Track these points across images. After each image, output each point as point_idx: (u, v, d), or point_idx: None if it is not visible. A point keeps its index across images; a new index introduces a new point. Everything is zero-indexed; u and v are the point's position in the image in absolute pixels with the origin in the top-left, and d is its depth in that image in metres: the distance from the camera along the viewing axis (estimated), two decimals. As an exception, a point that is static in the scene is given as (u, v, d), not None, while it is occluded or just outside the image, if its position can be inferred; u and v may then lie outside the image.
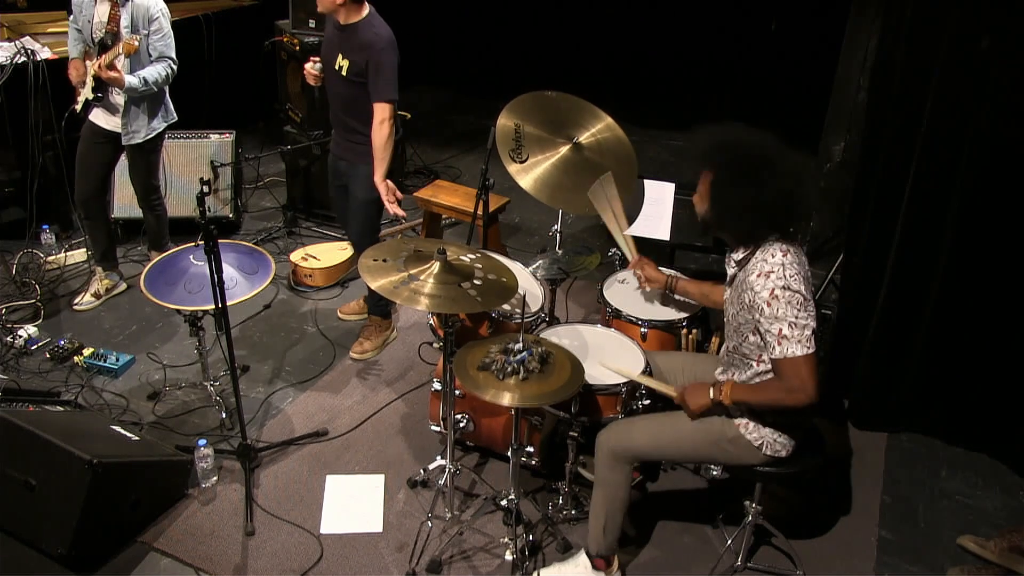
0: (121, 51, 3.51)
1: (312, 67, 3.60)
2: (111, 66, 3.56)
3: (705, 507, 3.08)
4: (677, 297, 3.15)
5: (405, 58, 3.44)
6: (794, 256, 2.35)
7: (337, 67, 3.42)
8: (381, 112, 3.38)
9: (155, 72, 3.68)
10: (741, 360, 2.52)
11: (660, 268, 3.15)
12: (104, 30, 3.62)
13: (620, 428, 2.65)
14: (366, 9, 3.40)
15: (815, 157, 4.46)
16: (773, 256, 2.33)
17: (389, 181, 3.49)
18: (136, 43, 3.52)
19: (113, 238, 4.28)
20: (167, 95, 3.91)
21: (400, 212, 3.57)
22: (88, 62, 3.73)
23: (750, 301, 2.35)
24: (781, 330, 2.29)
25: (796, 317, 2.28)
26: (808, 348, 2.29)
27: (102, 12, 3.63)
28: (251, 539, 2.92)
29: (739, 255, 2.46)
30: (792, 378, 2.30)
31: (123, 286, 4.33)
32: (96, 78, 3.68)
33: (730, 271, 2.56)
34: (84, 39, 3.72)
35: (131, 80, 3.59)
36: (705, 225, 2.53)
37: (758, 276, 2.33)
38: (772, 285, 2.29)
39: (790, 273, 2.30)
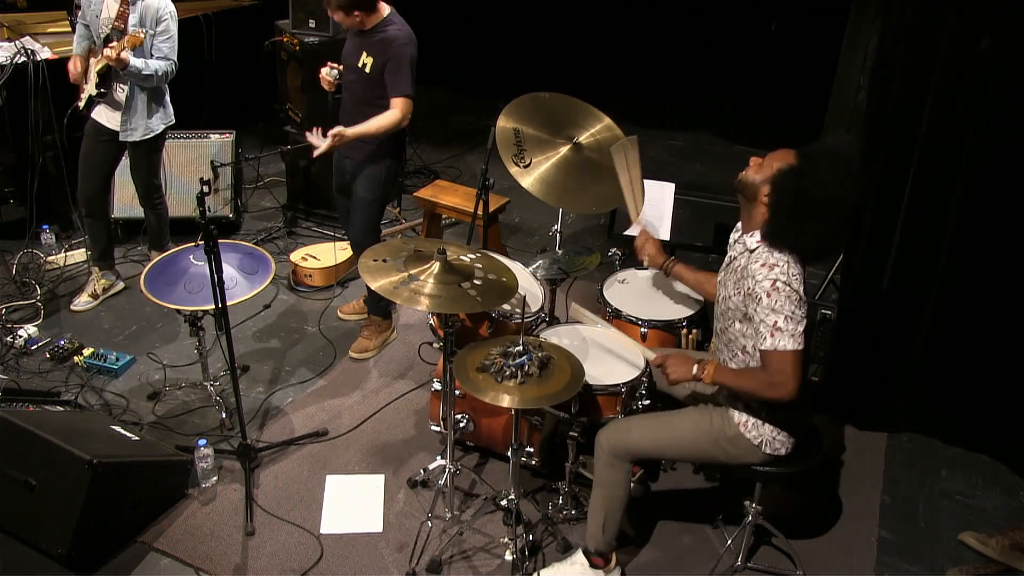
0: (127, 44, 3.52)
1: (328, 73, 3.59)
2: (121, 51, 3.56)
3: (705, 507, 3.08)
4: (680, 288, 3.14)
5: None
6: (796, 258, 2.36)
7: (361, 64, 3.43)
8: (398, 105, 3.40)
9: (156, 64, 3.69)
10: (725, 347, 2.54)
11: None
12: (111, 26, 3.63)
13: (619, 426, 2.65)
14: (386, 9, 3.42)
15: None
16: (779, 251, 2.35)
17: (341, 135, 3.35)
18: (142, 35, 3.54)
19: (112, 238, 4.28)
20: (167, 96, 3.92)
21: (315, 141, 3.36)
22: (92, 59, 3.73)
23: (749, 289, 2.35)
24: (776, 322, 2.30)
25: (792, 313, 2.29)
26: (799, 344, 2.30)
27: (111, 8, 3.65)
28: (251, 539, 2.92)
29: (752, 241, 2.42)
30: (777, 372, 2.31)
31: (120, 285, 4.33)
32: (101, 74, 3.70)
33: (731, 252, 2.56)
34: (91, 34, 3.73)
35: (135, 61, 3.59)
36: (740, 186, 2.46)
37: (762, 266, 2.33)
38: (775, 276, 2.30)
39: (793, 272, 2.32)
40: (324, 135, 3.35)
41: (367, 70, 3.41)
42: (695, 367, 2.48)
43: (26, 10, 5.31)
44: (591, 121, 3.27)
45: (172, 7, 3.73)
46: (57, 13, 5.06)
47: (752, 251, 2.42)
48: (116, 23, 3.62)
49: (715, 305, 2.61)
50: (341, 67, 3.61)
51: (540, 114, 3.26)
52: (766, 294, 2.30)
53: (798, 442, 2.54)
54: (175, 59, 3.77)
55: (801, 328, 2.30)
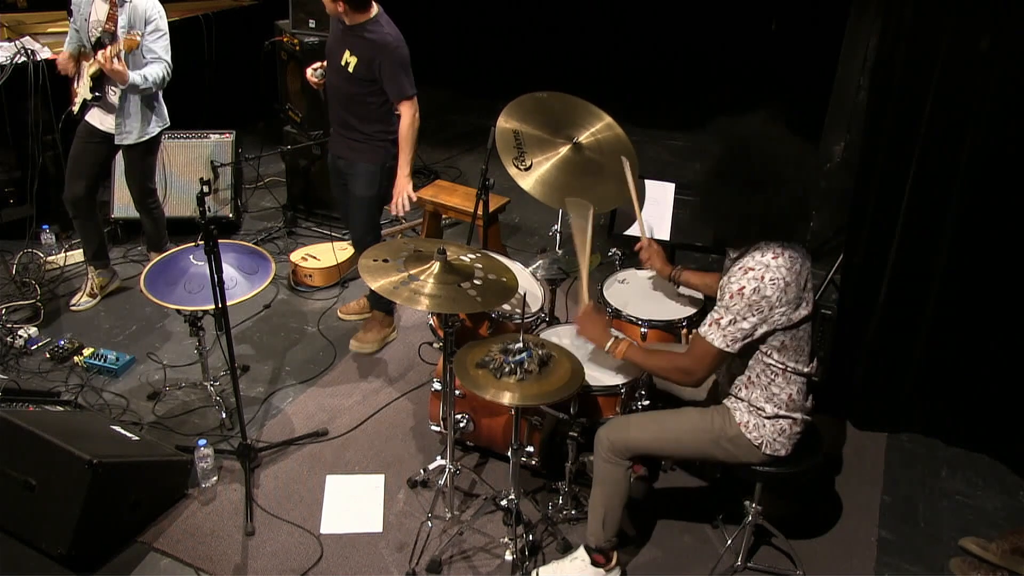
0: (122, 47, 3.50)
1: (313, 73, 3.61)
2: (116, 58, 3.53)
3: (705, 507, 3.08)
4: (681, 290, 3.14)
5: (405, 58, 3.43)
6: (785, 260, 2.33)
7: (344, 63, 3.40)
8: (407, 109, 3.44)
9: (154, 72, 3.67)
10: (738, 356, 2.52)
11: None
12: (101, 29, 3.62)
13: (619, 423, 2.65)
14: (374, 10, 3.39)
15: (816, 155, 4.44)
16: (763, 256, 2.34)
17: (409, 185, 3.53)
18: (138, 38, 3.52)
19: (104, 237, 4.24)
20: (161, 99, 3.90)
21: (398, 211, 3.56)
22: (84, 62, 3.72)
23: (723, 284, 2.39)
24: (720, 318, 2.34)
25: (743, 318, 2.31)
26: (727, 347, 2.35)
27: (100, 11, 3.63)
28: (251, 539, 2.92)
29: (732, 252, 2.50)
30: (693, 358, 2.40)
31: (117, 282, 4.33)
32: (94, 78, 3.68)
33: (727, 263, 2.57)
34: (81, 38, 3.72)
35: (134, 76, 3.58)
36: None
37: (739, 268, 2.36)
38: (744, 283, 2.31)
39: (769, 277, 2.30)
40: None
41: (350, 69, 3.39)
42: (609, 340, 2.58)
43: (26, 10, 5.31)
44: (591, 120, 3.27)
45: (160, 6, 3.70)
46: (57, 13, 5.07)
47: (736, 261, 2.45)
48: (107, 25, 3.60)
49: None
50: (324, 64, 3.62)
51: (539, 114, 3.25)
52: (729, 295, 2.33)
53: (798, 443, 2.55)
54: (169, 59, 3.73)
55: (740, 335, 2.33)
